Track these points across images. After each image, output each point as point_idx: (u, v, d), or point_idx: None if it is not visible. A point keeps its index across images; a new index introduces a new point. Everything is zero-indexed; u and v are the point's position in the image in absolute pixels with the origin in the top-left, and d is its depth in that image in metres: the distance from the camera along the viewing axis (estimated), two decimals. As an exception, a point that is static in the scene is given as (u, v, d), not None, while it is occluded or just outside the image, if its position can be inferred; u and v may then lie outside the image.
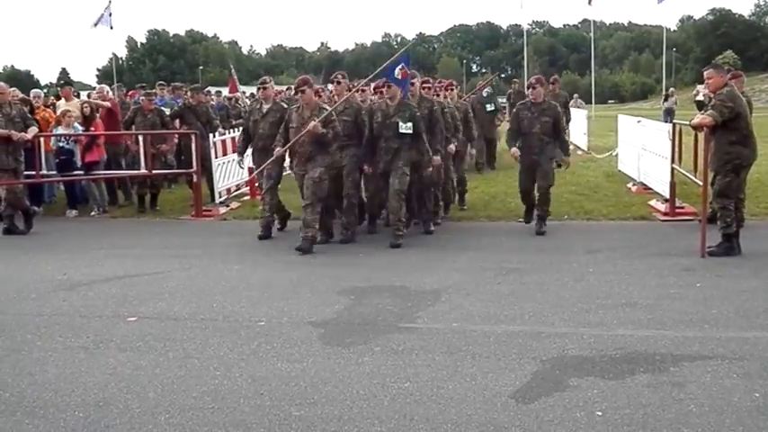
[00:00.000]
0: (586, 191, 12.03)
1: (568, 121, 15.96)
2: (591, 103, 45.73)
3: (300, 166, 8.61)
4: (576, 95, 33.54)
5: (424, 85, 9.79)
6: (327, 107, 8.64)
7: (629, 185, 12.32)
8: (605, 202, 10.98)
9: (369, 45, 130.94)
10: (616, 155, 15.42)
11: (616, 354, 4.78)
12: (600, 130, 24.41)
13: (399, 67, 8.90)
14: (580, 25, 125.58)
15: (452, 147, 9.79)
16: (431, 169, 9.02)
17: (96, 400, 4.29)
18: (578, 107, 27.00)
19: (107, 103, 12.50)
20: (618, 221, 9.80)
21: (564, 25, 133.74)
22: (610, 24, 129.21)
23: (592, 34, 65.95)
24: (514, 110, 9.43)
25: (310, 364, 4.75)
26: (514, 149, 9.06)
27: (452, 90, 10.82)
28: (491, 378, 4.42)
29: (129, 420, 4.01)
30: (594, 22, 62.86)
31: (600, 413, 3.91)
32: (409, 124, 8.64)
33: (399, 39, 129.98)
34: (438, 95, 10.14)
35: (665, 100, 30.76)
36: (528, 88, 9.32)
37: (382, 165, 8.77)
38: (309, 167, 8.44)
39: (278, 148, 8.71)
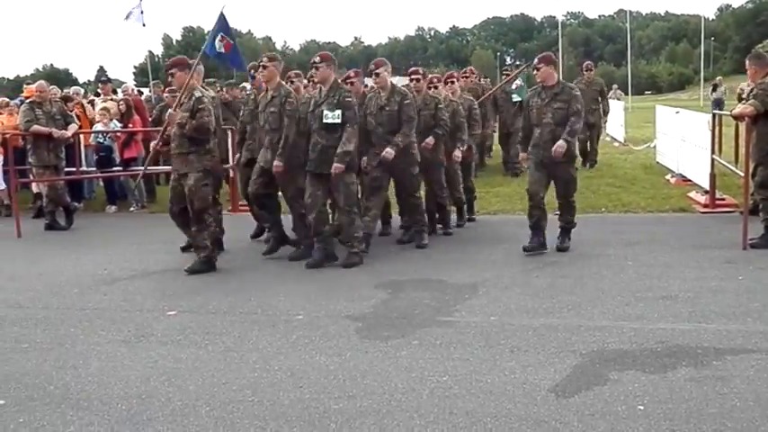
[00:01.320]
0: (624, 183, 11.88)
1: (606, 112, 15.02)
2: (627, 94, 45.24)
3: (176, 165, 7.36)
4: (614, 86, 33.05)
5: (413, 76, 8.54)
6: (199, 93, 7.22)
7: (668, 177, 12.14)
8: (643, 194, 10.84)
9: (402, 39, 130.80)
10: (654, 146, 15.23)
11: (657, 347, 4.72)
12: (637, 121, 24.16)
13: (218, 38, 7.61)
14: (616, 15, 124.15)
15: (458, 153, 8.70)
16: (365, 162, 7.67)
17: (138, 392, 4.35)
18: (617, 98, 26.72)
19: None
20: (656, 214, 9.67)
21: (599, 16, 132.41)
22: (646, 14, 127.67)
23: (628, 24, 65.28)
24: (526, 97, 8.15)
25: (348, 358, 4.76)
26: (523, 155, 7.75)
27: (453, 83, 9.36)
28: (530, 372, 4.39)
29: (170, 413, 4.05)
30: (630, 12, 62.21)
31: (641, 407, 3.86)
32: (337, 113, 7.11)
33: (433, 32, 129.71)
34: (436, 88, 8.82)
35: (714, 90, 29.95)
36: (533, 70, 7.89)
37: (311, 164, 7.27)
38: (183, 172, 7.25)
39: (152, 143, 7.84)
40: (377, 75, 7.82)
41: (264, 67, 7.78)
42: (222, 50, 7.69)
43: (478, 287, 6.34)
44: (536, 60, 7.64)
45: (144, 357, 4.93)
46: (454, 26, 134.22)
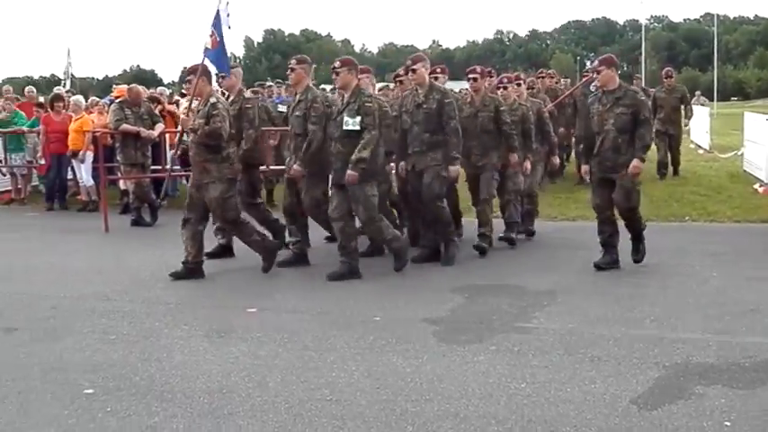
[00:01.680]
0: (709, 191, 11.54)
1: (689, 116, 14.56)
2: (713, 100, 43.96)
3: (195, 175, 7.20)
4: (698, 93, 32.17)
5: (470, 75, 7.95)
6: (215, 99, 7.07)
7: (756, 186, 11.73)
8: (729, 203, 10.50)
9: (480, 42, 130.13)
10: (741, 154, 14.75)
11: (745, 362, 4.57)
12: (723, 128, 23.42)
13: (209, 34, 7.29)
14: (702, 19, 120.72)
15: (527, 164, 8.22)
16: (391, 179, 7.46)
17: (219, 387, 4.44)
18: (702, 104, 26.00)
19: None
20: (744, 224, 9.35)
21: (684, 19, 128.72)
22: (734, 18, 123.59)
23: (715, 28, 63.46)
24: (588, 104, 7.52)
25: (425, 361, 4.76)
26: (585, 167, 7.26)
27: (520, 85, 8.77)
28: (611, 382, 4.31)
29: (250, 408, 4.13)
30: (717, 15, 60.46)
31: (728, 423, 3.74)
32: (358, 119, 6.79)
33: (512, 35, 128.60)
34: (506, 89, 8.32)
35: None
36: (593, 73, 7.33)
37: (335, 176, 7.04)
38: (205, 182, 7.05)
39: (170, 151, 7.78)
40: (413, 71, 7.35)
41: (292, 70, 7.49)
42: (209, 46, 7.48)
43: (557, 294, 6.26)
44: (596, 63, 7.12)
45: (225, 353, 5.04)
46: (534, 30, 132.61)
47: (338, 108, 7.04)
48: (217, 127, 6.88)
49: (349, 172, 6.75)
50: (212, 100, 7.04)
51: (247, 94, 8.26)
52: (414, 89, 7.54)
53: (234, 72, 8.02)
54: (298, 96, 7.50)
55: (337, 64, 7.04)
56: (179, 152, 8.40)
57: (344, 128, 6.84)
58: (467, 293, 6.36)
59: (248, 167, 7.90)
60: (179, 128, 8.49)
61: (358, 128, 6.80)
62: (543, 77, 13.39)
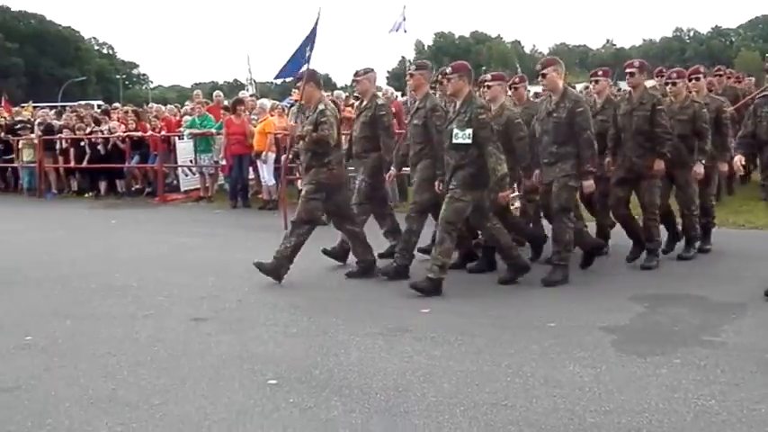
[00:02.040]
0: None
1: None
2: None
3: (303, 178, 7.40)
4: None
5: (627, 69, 7.37)
6: (323, 106, 7.05)
7: None
8: None
9: (657, 41, 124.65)
10: None
11: None
12: None
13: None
14: None
15: (699, 168, 7.42)
16: (507, 194, 6.81)
17: (395, 385, 4.51)
18: None
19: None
20: None
21: None
22: None
23: None
24: (752, 106, 6.70)
25: (604, 371, 4.61)
26: (738, 158, 6.38)
27: (699, 80, 8.00)
28: (812, 405, 3.99)
29: (426, 408, 4.17)
30: None
31: None
32: (468, 132, 6.43)
33: (692, 33, 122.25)
34: (674, 85, 7.59)
35: None
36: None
37: (447, 186, 6.72)
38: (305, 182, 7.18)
39: (282, 157, 7.79)
40: (543, 75, 6.87)
41: (411, 76, 7.31)
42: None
43: (747, 307, 5.87)
44: None
45: (400, 351, 5.11)
46: (717, 26, 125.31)
47: (449, 117, 6.76)
48: (324, 135, 6.91)
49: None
50: (321, 106, 7.05)
51: (381, 100, 8.11)
52: (547, 96, 7.11)
53: (367, 77, 7.90)
54: (417, 104, 7.34)
55: (448, 70, 6.78)
56: (291, 156, 8.64)
57: (454, 141, 6.54)
58: (646, 303, 6.10)
59: (378, 172, 7.90)
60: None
61: (468, 141, 6.46)
62: (722, 75, 12.41)
